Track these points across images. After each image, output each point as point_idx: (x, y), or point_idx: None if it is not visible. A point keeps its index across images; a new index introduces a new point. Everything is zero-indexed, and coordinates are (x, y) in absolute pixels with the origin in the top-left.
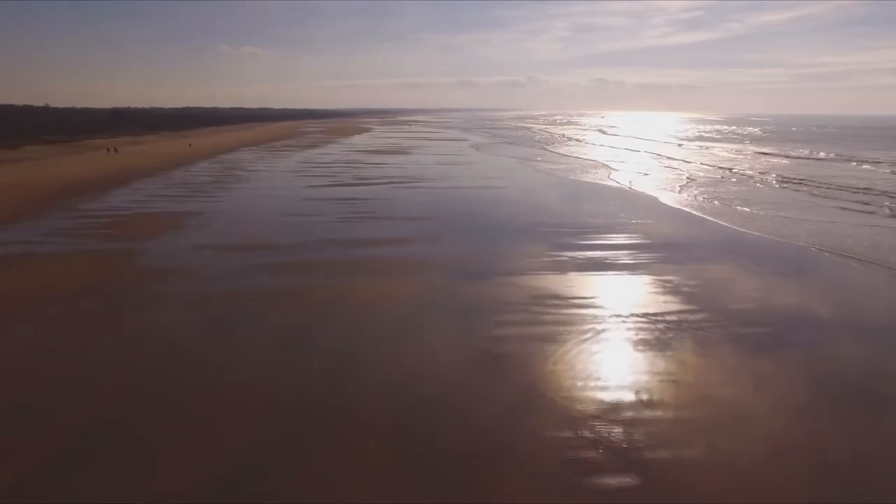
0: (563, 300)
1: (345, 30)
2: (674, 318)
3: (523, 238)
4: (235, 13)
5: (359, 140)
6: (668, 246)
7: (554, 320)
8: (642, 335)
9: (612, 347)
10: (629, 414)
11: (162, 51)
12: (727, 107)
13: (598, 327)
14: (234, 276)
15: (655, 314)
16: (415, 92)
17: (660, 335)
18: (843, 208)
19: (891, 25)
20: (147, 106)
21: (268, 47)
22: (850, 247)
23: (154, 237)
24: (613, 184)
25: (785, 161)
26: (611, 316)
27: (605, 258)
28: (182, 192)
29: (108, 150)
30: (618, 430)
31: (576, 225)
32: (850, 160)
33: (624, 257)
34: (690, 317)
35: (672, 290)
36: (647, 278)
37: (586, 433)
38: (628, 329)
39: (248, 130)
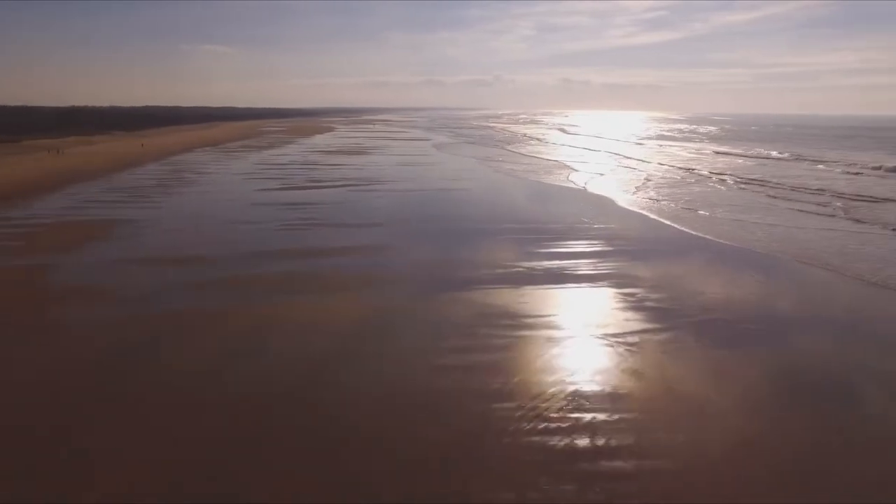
0: (516, 320)
1: (312, 28)
2: (635, 338)
3: (479, 246)
4: (199, 11)
5: (320, 140)
6: (627, 254)
7: (504, 344)
8: (601, 361)
9: (565, 377)
10: (585, 466)
11: (123, 48)
12: (692, 106)
13: (552, 352)
14: (150, 296)
15: (616, 335)
16: (382, 91)
17: (620, 360)
18: (800, 210)
19: (851, 27)
20: (106, 105)
21: (233, 45)
22: (816, 254)
23: (69, 250)
24: (572, 185)
25: (743, 161)
26: (566, 338)
27: (563, 268)
28: (120, 197)
29: (50, 151)
30: (571, 487)
31: (533, 231)
32: (805, 160)
33: (582, 267)
34: (654, 337)
35: (634, 304)
36: (607, 291)
37: (533, 494)
38: (585, 354)
39: (207, 130)
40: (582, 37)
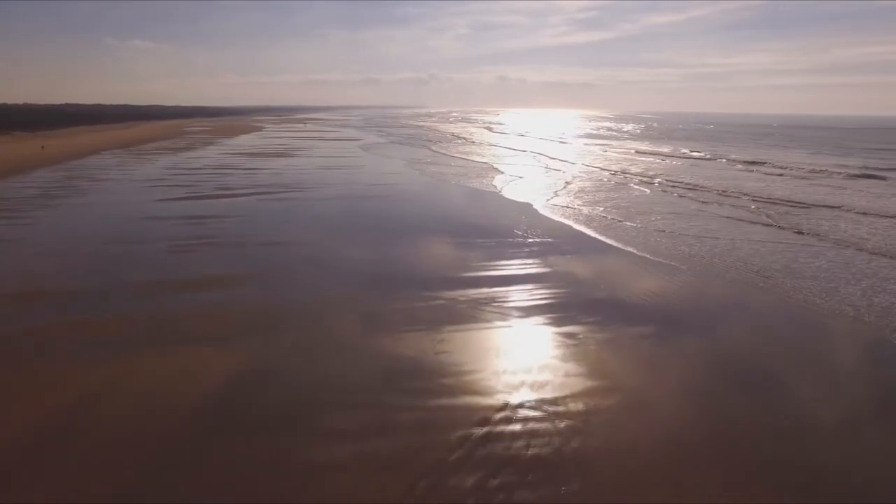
0: (432, 381)
1: (245, 25)
2: (579, 405)
3: (394, 273)
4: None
5: (244, 140)
6: (562, 279)
7: (413, 422)
8: (535, 447)
9: (490, 474)
10: None
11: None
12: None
13: (475, 435)
14: None
15: (554, 400)
16: (318, 89)
17: (561, 443)
18: (728, 217)
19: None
20: (20, 102)
21: (160, 41)
22: (762, 269)
23: None
24: (498, 192)
25: (668, 161)
26: (495, 409)
27: (491, 298)
28: None
29: None
30: None
31: (457, 248)
32: (728, 160)
33: (512, 296)
34: (603, 402)
35: (574, 352)
36: (542, 332)
37: None
38: (515, 434)
39: (126, 130)
40: (518, 35)
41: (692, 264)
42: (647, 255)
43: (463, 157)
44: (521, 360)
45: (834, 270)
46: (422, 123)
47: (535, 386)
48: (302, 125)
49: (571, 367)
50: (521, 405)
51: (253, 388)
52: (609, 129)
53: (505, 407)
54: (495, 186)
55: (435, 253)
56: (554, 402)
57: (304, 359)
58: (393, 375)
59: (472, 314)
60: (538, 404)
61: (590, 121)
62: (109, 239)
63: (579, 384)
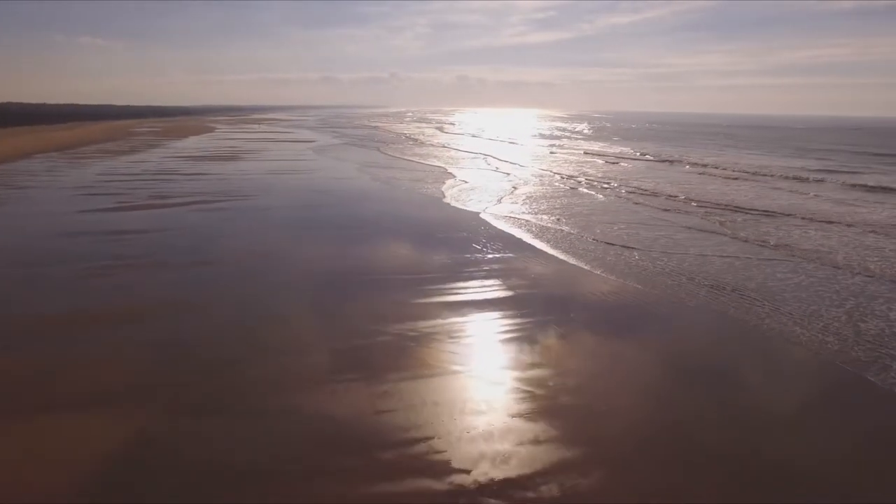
0: (366, 456)
1: (201, 23)
2: (553, 489)
3: (330, 301)
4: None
5: (193, 143)
6: (525, 304)
7: None
8: None
9: None
10: None
11: None
12: (582, 103)
13: None
14: None
15: (522, 482)
16: (277, 88)
17: None
18: (690, 228)
19: (720, 31)
20: None
21: (111, 38)
22: (738, 288)
23: None
24: (444, 200)
25: (624, 164)
26: (450, 497)
27: (440, 334)
28: None
29: None
30: None
31: (404, 270)
32: (682, 160)
33: (468, 330)
34: (583, 482)
35: (540, 409)
36: (502, 379)
37: None
38: None
39: (67, 131)
40: (477, 35)
41: (664, 288)
42: (612, 277)
43: (413, 160)
44: (479, 420)
45: (812, 288)
46: (377, 124)
47: (497, 461)
48: (257, 126)
49: (541, 429)
50: (481, 490)
51: (132, 472)
52: (563, 129)
53: (461, 493)
54: (444, 193)
55: (381, 273)
56: (522, 484)
57: (208, 427)
58: (317, 450)
59: (423, 355)
60: (502, 489)
61: (546, 121)
62: (11, 260)
63: (544, 455)
